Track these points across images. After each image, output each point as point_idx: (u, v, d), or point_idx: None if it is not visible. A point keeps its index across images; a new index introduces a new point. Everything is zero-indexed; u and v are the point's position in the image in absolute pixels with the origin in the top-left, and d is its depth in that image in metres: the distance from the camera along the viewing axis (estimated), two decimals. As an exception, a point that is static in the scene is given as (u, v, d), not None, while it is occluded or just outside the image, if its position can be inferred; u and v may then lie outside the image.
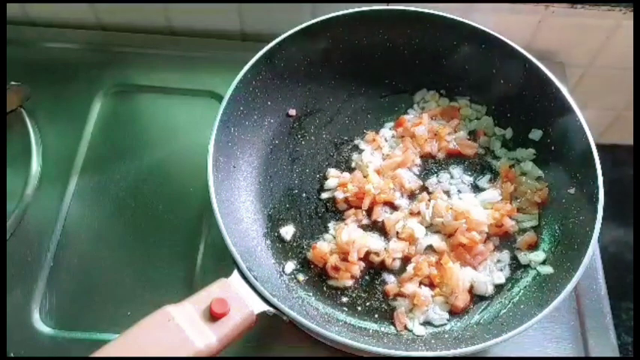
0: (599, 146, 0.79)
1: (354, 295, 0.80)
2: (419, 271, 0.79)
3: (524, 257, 0.82)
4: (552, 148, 0.87)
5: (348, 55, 0.93)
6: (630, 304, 1.41)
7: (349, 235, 0.81)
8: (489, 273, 0.81)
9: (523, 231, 0.84)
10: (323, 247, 0.81)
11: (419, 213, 0.85)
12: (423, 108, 0.95)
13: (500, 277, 0.81)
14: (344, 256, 0.80)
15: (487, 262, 0.82)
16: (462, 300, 0.78)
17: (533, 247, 0.83)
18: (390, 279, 0.81)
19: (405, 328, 0.78)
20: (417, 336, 0.77)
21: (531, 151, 0.89)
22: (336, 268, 0.80)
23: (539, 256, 0.81)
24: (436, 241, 0.82)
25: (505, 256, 0.83)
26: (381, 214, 0.85)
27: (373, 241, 0.82)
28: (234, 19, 1.05)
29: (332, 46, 0.92)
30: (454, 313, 0.79)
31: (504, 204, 0.85)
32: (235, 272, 0.69)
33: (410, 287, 0.78)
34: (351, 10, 0.88)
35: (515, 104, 0.91)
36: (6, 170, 0.88)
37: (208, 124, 0.78)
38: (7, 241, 0.84)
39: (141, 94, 1.00)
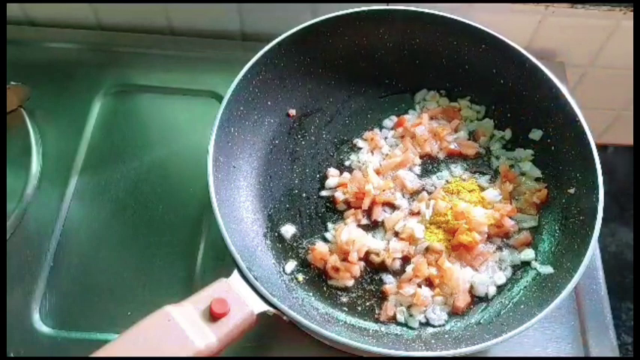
0: (599, 146, 0.79)
1: (354, 295, 0.80)
2: (418, 272, 0.79)
3: (515, 257, 0.82)
4: (552, 148, 0.87)
5: (348, 55, 0.93)
6: (630, 304, 1.42)
7: (349, 234, 0.81)
8: (491, 274, 0.81)
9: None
10: (322, 248, 0.81)
11: (419, 213, 0.85)
12: (423, 107, 0.95)
13: (502, 278, 0.81)
14: (344, 257, 0.80)
15: (489, 263, 0.82)
16: (462, 300, 0.78)
17: (528, 246, 0.83)
18: (390, 279, 0.81)
19: (393, 319, 0.78)
20: (417, 335, 0.77)
21: (529, 151, 0.89)
22: (336, 269, 0.80)
23: (529, 254, 0.82)
24: (436, 241, 0.82)
25: (506, 256, 0.83)
26: (381, 214, 0.85)
27: (373, 241, 0.82)
28: (234, 19, 1.05)
29: (332, 46, 0.92)
30: (455, 313, 0.79)
31: (504, 204, 0.85)
32: (235, 272, 0.69)
33: (409, 289, 0.78)
34: (351, 10, 0.88)
35: (515, 104, 0.91)
36: (6, 170, 0.88)
37: (208, 124, 0.79)
38: (7, 241, 0.84)
39: (141, 94, 1.00)
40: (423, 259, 0.80)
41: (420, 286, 0.79)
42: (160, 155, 0.94)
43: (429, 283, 0.80)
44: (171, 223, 0.87)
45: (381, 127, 0.94)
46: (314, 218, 0.86)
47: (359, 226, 0.84)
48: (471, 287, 0.80)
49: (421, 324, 0.78)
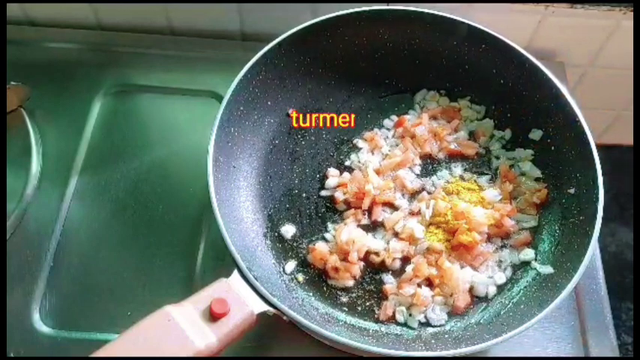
0: (599, 146, 0.79)
1: (354, 295, 0.80)
2: (418, 272, 0.79)
3: (515, 257, 0.82)
4: (552, 148, 0.87)
5: (348, 55, 0.93)
6: (630, 304, 1.42)
7: (349, 235, 0.81)
8: (491, 274, 0.81)
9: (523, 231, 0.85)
10: (322, 248, 0.81)
11: (419, 213, 0.85)
12: (423, 107, 0.95)
13: (502, 278, 0.81)
14: (344, 257, 0.80)
15: (488, 263, 0.82)
16: (462, 300, 0.78)
17: (528, 246, 0.83)
18: (390, 279, 0.81)
19: (393, 319, 0.78)
20: (417, 335, 0.77)
21: (529, 151, 0.89)
22: (336, 269, 0.80)
23: (529, 254, 0.82)
24: (436, 241, 0.82)
25: (506, 256, 0.82)
26: (381, 214, 0.85)
27: (373, 241, 0.82)
28: (234, 19, 1.05)
29: (332, 46, 0.92)
30: (455, 313, 0.78)
31: (504, 204, 0.84)
32: (235, 272, 0.69)
33: (409, 289, 0.78)
34: (351, 10, 0.88)
35: (515, 104, 0.91)
36: (6, 170, 0.88)
37: (208, 124, 0.79)
38: (7, 241, 0.84)
39: (141, 94, 1.00)
40: (423, 259, 0.80)
41: (420, 286, 0.79)
42: (159, 155, 0.94)
43: (429, 283, 0.80)
44: (172, 223, 0.87)
45: (381, 127, 0.94)
46: (314, 218, 0.86)
47: (359, 226, 0.84)
48: (471, 287, 0.80)
49: (421, 324, 0.78)
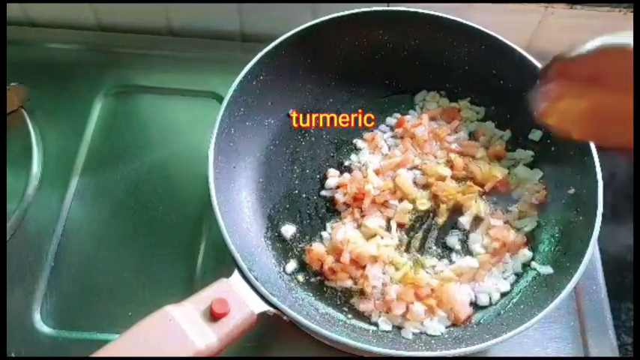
0: (599, 146, 0.79)
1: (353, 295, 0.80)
2: (404, 296, 0.77)
3: (518, 264, 0.82)
4: (552, 148, 0.87)
5: (348, 55, 0.94)
6: (630, 304, 1.41)
7: (344, 234, 0.81)
8: (495, 281, 0.80)
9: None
10: (319, 249, 0.81)
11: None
12: (423, 108, 0.95)
13: (506, 285, 0.80)
14: (338, 257, 0.80)
15: (492, 272, 0.81)
16: (463, 314, 0.77)
17: (525, 246, 0.83)
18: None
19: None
20: (417, 335, 0.76)
21: (529, 152, 0.89)
22: (333, 270, 0.80)
23: (526, 255, 0.82)
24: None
25: (509, 265, 0.82)
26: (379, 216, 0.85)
27: (367, 245, 0.80)
28: (234, 19, 1.06)
29: (332, 46, 0.92)
30: (456, 324, 0.77)
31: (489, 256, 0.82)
32: (235, 272, 0.69)
33: (398, 310, 0.76)
34: (351, 11, 0.88)
35: (515, 104, 0.91)
36: (6, 171, 0.88)
37: (209, 124, 0.79)
38: (8, 242, 0.84)
39: (141, 94, 1.00)
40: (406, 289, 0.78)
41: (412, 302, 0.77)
42: (160, 156, 0.94)
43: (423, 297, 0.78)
44: (172, 224, 0.87)
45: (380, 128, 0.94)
46: (314, 218, 0.86)
47: (357, 226, 0.84)
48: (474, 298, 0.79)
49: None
